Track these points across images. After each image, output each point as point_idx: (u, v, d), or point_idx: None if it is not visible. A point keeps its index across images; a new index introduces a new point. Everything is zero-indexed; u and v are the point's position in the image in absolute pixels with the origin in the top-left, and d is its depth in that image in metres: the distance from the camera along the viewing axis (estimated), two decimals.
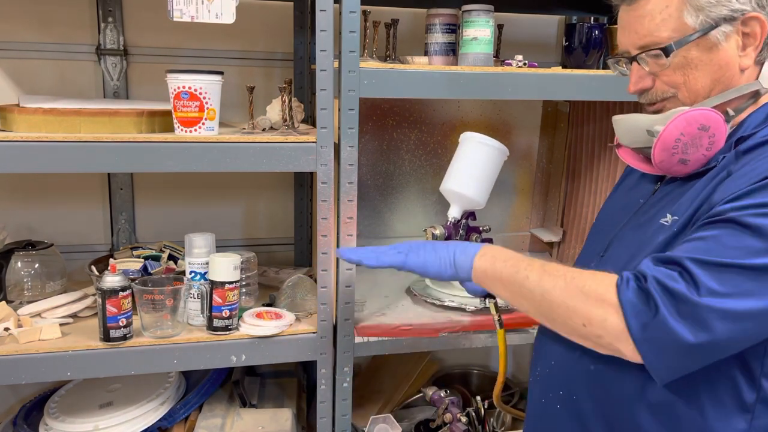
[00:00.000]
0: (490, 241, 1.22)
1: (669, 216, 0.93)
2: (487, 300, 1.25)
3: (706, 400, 0.88)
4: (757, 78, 0.96)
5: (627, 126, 1.03)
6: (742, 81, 0.94)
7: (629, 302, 0.82)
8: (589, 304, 0.85)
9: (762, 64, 0.95)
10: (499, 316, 1.25)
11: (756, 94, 0.95)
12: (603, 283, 0.85)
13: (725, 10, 0.90)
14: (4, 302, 1.43)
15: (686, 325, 0.79)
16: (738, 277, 0.78)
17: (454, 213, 1.22)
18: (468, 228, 1.22)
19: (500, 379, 1.34)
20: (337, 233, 1.43)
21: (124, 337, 1.34)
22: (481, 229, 1.22)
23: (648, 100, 1.00)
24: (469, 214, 1.22)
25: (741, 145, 0.91)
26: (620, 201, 1.13)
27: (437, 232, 1.20)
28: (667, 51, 0.93)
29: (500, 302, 1.27)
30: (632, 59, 0.98)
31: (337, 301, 1.47)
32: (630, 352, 0.83)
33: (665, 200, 0.98)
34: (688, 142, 0.93)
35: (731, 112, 0.94)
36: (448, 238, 1.20)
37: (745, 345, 0.83)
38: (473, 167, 1.20)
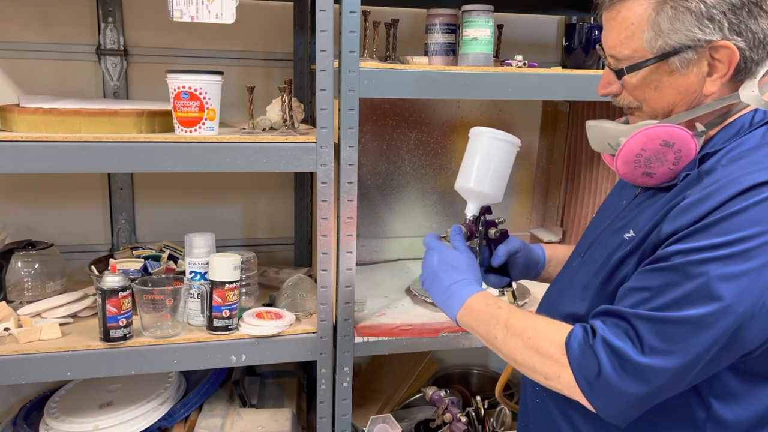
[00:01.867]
0: (506, 232, 1.23)
1: (631, 231, 0.94)
2: (504, 290, 1.26)
3: (659, 416, 0.91)
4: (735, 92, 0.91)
5: (596, 133, 1.03)
6: (708, 101, 0.90)
7: (575, 361, 0.87)
8: (544, 364, 0.91)
9: (741, 83, 0.89)
10: (516, 304, 1.25)
11: (729, 110, 0.92)
12: (555, 343, 0.90)
13: (685, 38, 0.86)
14: (4, 302, 1.43)
15: (630, 381, 0.83)
16: (679, 330, 0.80)
17: (472, 210, 1.21)
18: (486, 223, 1.21)
19: (506, 374, 1.34)
20: (337, 233, 1.43)
21: (124, 337, 1.34)
22: (496, 222, 1.23)
23: (618, 104, 1.00)
24: (486, 209, 1.22)
25: (704, 164, 0.89)
26: (611, 201, 1.14)
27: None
28: (619, 74, 0.93)
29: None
30: (606, 62, 0.98)
31: (337, 301, 1.47)
32: (586, 403, 0.88)
33: (637, 210, 0.98)
34: (651, 157, 0.92)
35: (700, 128, 0.92)
36: (469, 236, 1.20)
37: (693, 384, 0.86)
38: (488, 162, 1.19)
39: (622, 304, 0.87)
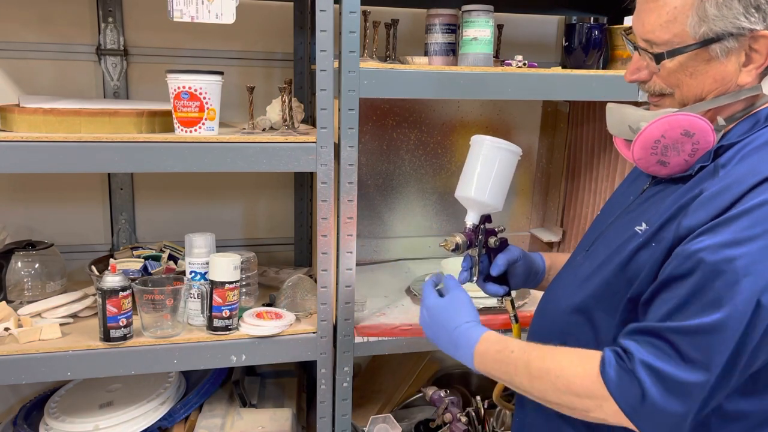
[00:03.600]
0: (505, 241, 1.22)
1: (643, 224, 0.93)
2: (503, 299, 1.25)
3: None
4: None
5: (616, 117, 1.03)
6: (740, 90, 0.90)
7: (617, 389, 0.84)
8: (582, 400, 0.89)
9: (764, 77, 0.91)
10: (515, 312, 1.25)
11: (751, 104, 0.92)
12: (588, 377, 0.88)
13: (731, 26, 0.85)
14: (4, 302, 1.43)
15: (677, 400, 0.81)
16: (716, 337, 0.79)
17: (472, 219, 1.20)
18: (486, 232, 1.21)
19: None
20: (337, 233, 1.43)
21: (125, 337, 1.34)
22: (496, 230, 1.22)
23: (646, 91, 0.99)
24: (485, 218, 1.22)
25: (720, 158, 0.89)
26: (619, 195, 1.13)
27: (459, 240, 1.19)
28: (658, 59, 0.92)
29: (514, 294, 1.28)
30: (636, 47, 0.96)
31: (337, 301, 1.47)
32: (636, 428, 0.86)
33: (647, 204, 0.98)
34: (669, 145, 0.92)
35: (721, 121, 0.92)
36: (469, 245, 1.20)
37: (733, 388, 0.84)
38: (489, 172, 1.18)
39: (652, 318, 0.85)
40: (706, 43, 0.87)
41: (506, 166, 1.19)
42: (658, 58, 0.91)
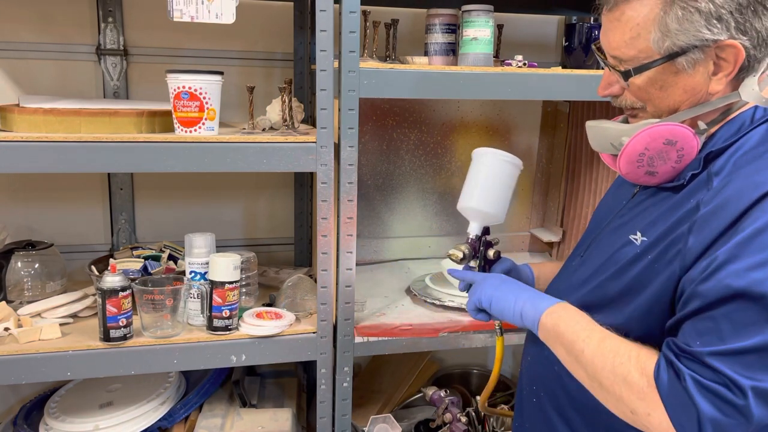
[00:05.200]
0: (499, 254, 1.24)
1: (639, 234, 0.93)
2: None
3: None
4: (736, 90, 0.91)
5: (597, 134, 1.03)
6: (713, 99, 0.90)
7: (671, 405, 0.81)
8: (633, 396, 0.84)
9: (742, 81, 0.89)
10: (500, 324, 1.26)
11: (730, 107, 0.91)
12: (644, 372, 0.84)
13: (694, 38, 0.85)
14: (4, 302, 1.43)
15: (735, 423, 0.77)
16: (763, 356, 0.77)
17: (475, 230, 1.23)
18: (485, 243, 1.23)
19: (490, 385, 1.34)
20: (337, 233, 1.43)
21: (124, 337, 1.34)
22: (493, 242, 1.24)
23: (619, 105, 0.99)
24: (485, 230, 1.24)
25: (712, 165, 0.89)
26: (610, 199, 1.14)
27: (466, 251, 1.21)
28: (626, 75, 0.92)
29: None
30: (606, 63, 0.97)
31: (337, 301, 1.47)
32: None
33: (639, 209, 0.98)
34: (654, 156, 0.92)
35: (702, 126, 0.92)
36: (474, 254, 1.22)
37: None
38: (491, 183, 1.20)
39: (694, 344, 0.82)
40: (671, 57, 0.87)
41: (508, 177, 1.22)
42: (626, 75, 0.92)
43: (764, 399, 0.77)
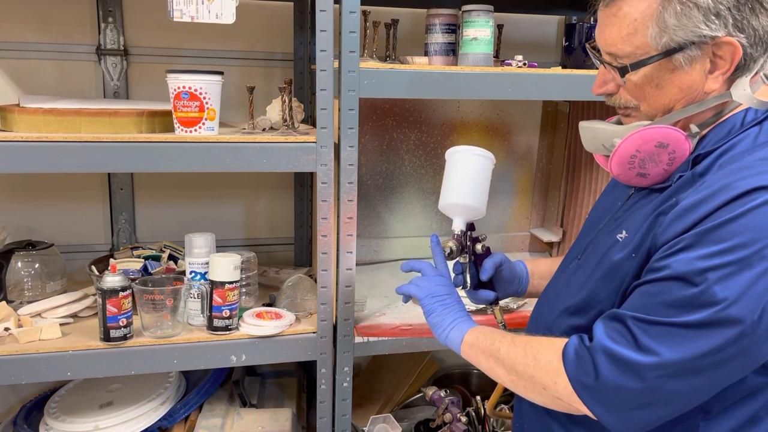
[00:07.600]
0: (488, 248, 1.26)
1: (624, 233, 0.94)
2: (491, 306, 1.28)
3: None
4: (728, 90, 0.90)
5: (590, 135, 1.03)
6: (708, 98, 0.90)
7: (571, 366, 0.87)
8: (541, 371, 0.91)
9: (733, 82, 0.89)
10: (503, 320, 1.26)
11: (722, 109, 0.91)
12: (553, 349, 0.91)
13: (692, 34, 0.84)
14: (4, 302, 1.43)
15: (624, 377, 0.82)
16: (676, 334, 0.80)
17: (459, 225, 1.24)
18: (472, 239, 1.24)
19: (498, 390, 1.35)
20: (337, 233, 1.43)
21: (125, 337, 1.34)
22: (479, 238, 1.25)
23: (613, 104, 0.99)
24: (470, 226, 1.25)
25: (697, 166, 0.89)
26: (605, 202, 1.14)
27: (453, 246, 1.23)
28: (622, 71, 0.91)
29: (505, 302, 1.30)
30: (601, 61, 0.96)
31: (337, 301, 1.47)
32: (586, 410, 0.87)
33: (631, 210, 0.98)
34: (646, 158, 0.92)
35: (694, 129, 0.91)
36: (461, 249, 1.23)
37: (702, 399, 0.85)
38: (467, 178, 1.22)
39: (623, 308, 0.87)
40: (668, 53, 0.87)
41: (483, 171, 1.24)
42: (622, 71, 0.91)
43: (657, 368, 0.80)
